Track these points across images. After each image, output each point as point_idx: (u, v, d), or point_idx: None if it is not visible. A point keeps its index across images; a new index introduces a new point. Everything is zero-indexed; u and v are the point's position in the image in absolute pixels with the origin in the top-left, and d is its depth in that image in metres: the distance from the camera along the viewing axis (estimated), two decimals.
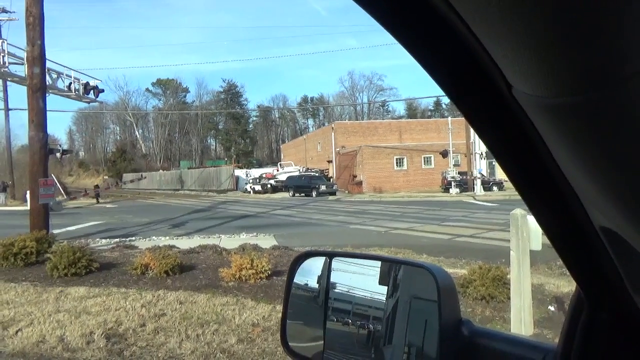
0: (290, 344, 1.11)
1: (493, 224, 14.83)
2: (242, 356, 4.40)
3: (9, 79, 18.56)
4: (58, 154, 14.36)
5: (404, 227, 15.54)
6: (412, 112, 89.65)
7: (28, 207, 12.39)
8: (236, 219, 19.85)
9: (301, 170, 44.71)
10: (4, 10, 35.40)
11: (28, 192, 14.83)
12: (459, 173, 34.50)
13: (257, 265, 6.96)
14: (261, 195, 41.01)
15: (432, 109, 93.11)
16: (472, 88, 0.48)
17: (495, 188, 32.90)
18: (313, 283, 1.13)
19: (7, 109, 38.41)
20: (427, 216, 19.12)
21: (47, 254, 8.32)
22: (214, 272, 7.49)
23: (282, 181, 41.74)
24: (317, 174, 41.51)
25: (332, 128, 48.74)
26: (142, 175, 58.83)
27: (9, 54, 17.07)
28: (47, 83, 14.08)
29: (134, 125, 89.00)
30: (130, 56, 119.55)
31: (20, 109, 36.22)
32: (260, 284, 6.83)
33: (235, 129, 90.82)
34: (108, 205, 32.65)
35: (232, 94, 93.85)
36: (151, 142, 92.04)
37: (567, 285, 6.37)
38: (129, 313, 5.61)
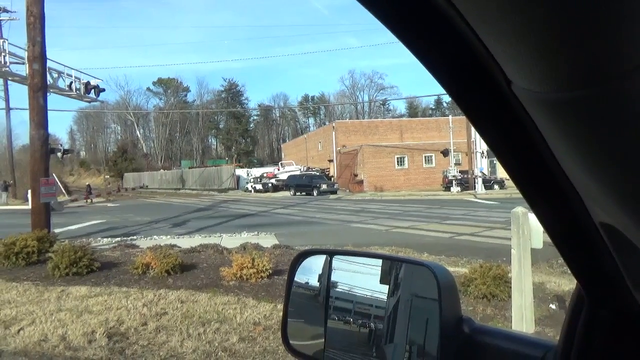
0: (291, 342, 1.11)
1: (494, 222, 14.82)
2: (243, 355, 4.41)
3: (9, 78, 18.57)
4: (59, 154, 14.38)
5: (405, 225, 15.54)
6: (413, 110, 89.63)
7: (29, 206, 12.41)
8: (237, 217, 19.86)
9: (302, 169, 44.72)
10: (5, 10, 35.45)
11: (29, 191, 14.85)
12: (460, 172, 34.48)
13: (258, 264, 6.97)
14: (262, 194, 41.03)
15: (433, 107, 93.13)
16: (471, 84, 0.48)
17: (496, 186, 32.88)
18: (314, 281, 1.13)
19: (8, 109, 38.47)
20: (428, 215, 19.11)
21: (48, 253, 8.33)
22: (215, 271, 7.50)
23: (283, 180, 41.76)
24: (318, 173, 41.51)
25: (333, 127, 48.73)
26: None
27: (10, 53, 17.10)
28: (48, 82, 14.10)
29: (135, 124, 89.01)
30: (131, 55, 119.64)
31: (21, 109, 36.34)
32: (261, 283, 6.84)
33: (236, 128, 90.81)
34: (109, 205, 32.69)
35: (232, 93, 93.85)
36: (152, 141, 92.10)
37: (568, 284, 6.36)
38: (130, 312, 5.62)
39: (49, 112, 11.78)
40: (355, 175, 40.97)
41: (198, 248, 9.71)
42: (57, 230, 12.00)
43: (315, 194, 35.62)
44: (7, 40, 17.33)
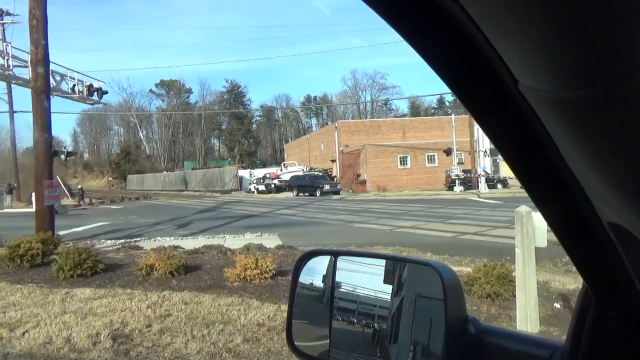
0: (296, 343, 1.11)
1: (497, 222, 14.79)
2: (248, 356, 4.41)
3: (13, 81, 18.62)
4: (63, 156, 14.42)
5: (408, 225, 15.52)
6: (416, 110, 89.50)
7: (34, 209, 12.45)
8: (240, 219, 19.88)
9: (305, 169, 44.72)
10: (8, 13, 35.54)
11: (33, 193, 14.90)
12: (463, 171, 34.40)
13: (262, 265, 6.97)
14: (265, 195, 41.06)
15: (436, 106, 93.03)
16: (477, 83, 0.47)
17: (499, 185, 32.78)
18: (318, 282, 1.13)
19: (11, 111, 38.64)
20: (431, 214, 19.09)
21: (52, 256, 8.36)
22: (219, 272, 7.50)
23: (285, 181, 41.77)
24: (320, 174, 41.50)
25: (336, 127, 48.72)
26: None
27: (13, 56, 17.13)
28: (51, 85, 14.16)
29: (138, 126, 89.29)
30: (134, 57, 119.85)
31: (24, 111, 36.53)
32: (265, 283, 6.84)
33: (238, 129, 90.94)
34: (113, 207, 32.78)
35: (235, 94, 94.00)
36: (155, 143, 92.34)
37: (572, 283, 6.34)
38: (134, 314, 5.63)
39: (52, 114, 11.83)
40: (358, 175, 40.95)
41: (202, 249, 9.72)
42: (61, 233, 12.04)
43: (318, 194, 35.61)
44: (10, 43, 17.38)
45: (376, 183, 39.29)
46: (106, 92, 19.77)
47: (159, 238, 13.31)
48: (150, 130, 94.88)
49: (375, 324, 0.99)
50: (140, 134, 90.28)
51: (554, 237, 0.69)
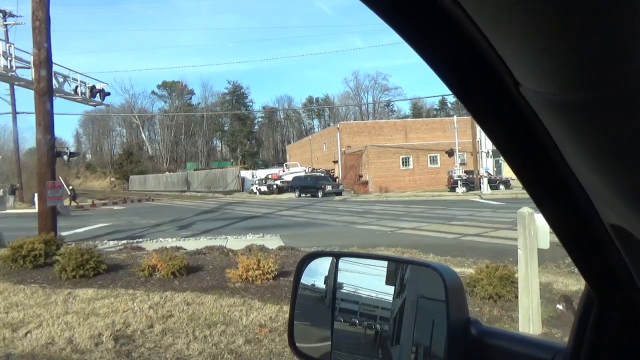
0: (297, 344, 1.11)
1: (500, 223, 14.76)
2: (249, 357, 4.41)
3: (16, 82, 18.68)
4: (65, 157, 14.44)
5: (411, 226, 15.50)
6: (418, 111, 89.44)
7: (36, 210, 12.48)
8: (242, 219, 19.89)
9: (307, 170, 44.73)
10: (11, 14, 35.69)
11: (36, 194, 14.94)
12: (465, 172, 34.38)
13: (264, 266, 6.97)
14: (267, 196, 41.08)
15: (438, 108, 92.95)
16: (478, 85, 0.47)
17: (502, 187, 32.74)
18: (320, 283, 1.13)
19: (14, 113, 38.79)
20: (433, 215, 19.06)
21: (55, 256, 8.38)
22: (221, 273, 7.51)
23: (288, 182, 41.79)
24: (323, 175, 41.49)
25: (338, 128, 48.73)
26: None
27: (16, 57, 17.19)
28: (54, 86, 14.18)
29: (140, 127, 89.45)
30: (136, 59, 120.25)
31: (27, 113, 36.64)
32: (267, 284, 6.84)
33: (240, 130, 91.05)
34: (115, 207, 32.83)
35: (237, 96, 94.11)
36: (157, 144, 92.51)
37: (575, 284, 6.32)
38: (136, 314, 5.63)
39: (55, 115, 11.85)
40: (360, 176, 40.93)
41: (204, 250, 9.73)
42: (63, 233, 12.07)
43: (320, 195, 35.60)
44: (13, 44, 17.44)
45: (378, 184, 39.27)
46: (109, 94, 19.81)
47: (161, 239, 13.32)
48: (153, 131, 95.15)
49: (378, 326, 0.99)
50: (143, 135, 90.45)
51: (556, 239, 0.69)
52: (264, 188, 43.44)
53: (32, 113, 11.94)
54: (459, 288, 0.90)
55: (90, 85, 18.88)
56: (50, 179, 11.45)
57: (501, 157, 0.58)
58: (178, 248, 10.06)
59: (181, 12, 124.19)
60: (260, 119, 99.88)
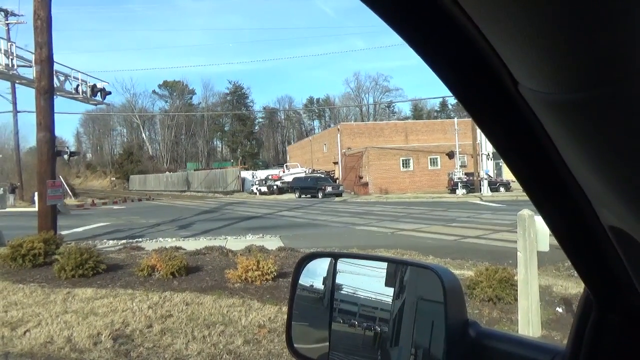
0: (295, 345, 1.10)
1: (500, 225, 14.76)
2: (248, 357, 4.41)
3: (17, 81, 18.71)
4: (65, 156, 14.45)
5: (410, 228, 15.50)
6: (418, 113, 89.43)
7: (36, 208, 12.48)
8: (242, 220, 19.89)
9: (307, 171, 44.76)
10: (13, 14, 35.76)
11: (36, 193, 14.95)
12: (465, 174, 34.40)
13: (263, 267, 6.97)
14: (267, 196, 41.09)
15: (438, 109, 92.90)
16: (477, 85, 0.47)
17: (502, 189, 32.75)
18: (318, 284, 1.13)
19: (15, 111, 38.77)
20: (433, 217, 19.06)
21: (54, 255, 8.37)
22: (220, 273, 7.51)
23: (288, 182, 41.82)
24: (323, 175, 41.50)
25: (338, 129, 48.74)
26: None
27: (17, 56, 17.23)
28: (55, 85, 14.20)
29: (141, 127, 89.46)
30: (137, 58, 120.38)
31: (28, 111, 36.62)
32: (266, 285, 6.83)
33: (241, 131, 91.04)
34: (115, 207, 32.83)
35: (238, 96, 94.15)
36: (158, 143, 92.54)
37: (575, 287, 6.32)
38: (135, 314, 5.63)
39: (55, 114, 11.86)
40: (361, 178, 40.94)
41: (203, 250, 9.72)
42: (63, 233, 12.06)
43: (320, 196, 35.60)
44: (14, 43, 17.48)
45: (378, 185, 39.27)
46: (109, 93, 19.84)
47: (160, 239, 13.32)
48: (153, 131, 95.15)
49: (377, 327, 0.98)
50: (143, 134, 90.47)
51: (556, 242, 0.68)
52: (264, 189, 43.46)
53: (33, 112, 11.95)
54: (457, 290, 0.90)
55: (91, 84, 18.90)
56: (51, 177, 11.46)
57: (501, 160, 0.58)
58: (177, 248, 10.06)
59: (183, 12, 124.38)
60: (260, 120, 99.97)
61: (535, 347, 0.87)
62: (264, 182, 44.85)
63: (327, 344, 1.04)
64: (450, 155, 35.62)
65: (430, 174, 41.12)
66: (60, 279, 7.48)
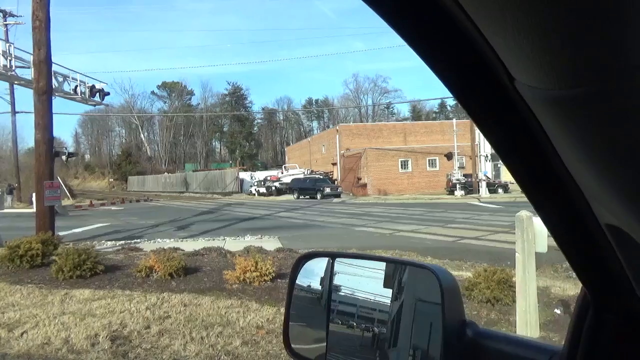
0: (293, 345, 1.10)
1: (498, 226, 14.77)
2: (246, 358, 4.40)
3: (15, 82, 18.70)
4: (64, 157, 14.46)
5: (409, 229, 15.50)
6: (417, 114, 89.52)
7: (34, 210, 12.45)
8: (240, 221, 19.87)
9: (306, 172, 44.71)
10: (11, 14, 35.68)
11: (34, 194, 14.92)
12: (463, 175, 34.44)
13: (262, 268, 6.96)
14: (266, 197, 41.07)
15: (437, 111, 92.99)
16: (473, 81, 0.47)
17: (500, 190, 32.78)
18: (316, 284, 1.13)
19: (13, 112, 38.70)
20: (431, 218, 19.07)
21: (52, 256, 8.36)
22: (219, 274, 7.50)
23: (286, 183, 41.78)
24: (321, 177, 41.48)
25: (337, 130, 48.75)
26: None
27: (16, 57, 17.21)
28: (53, 86, 14.19)
29: (140, 128, 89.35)
30: (136, 59, 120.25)
31: (26, 112, 36.41)
32: (264, 286, 6.83)
33: (239, 132, 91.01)
34: (113, 208, 32.78)
35: (236, 97, 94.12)
36: (156, 144, 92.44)
37: (573, 288, 6.33)
38: (133, 315, 5.62)
39: (54, 115, 11.84)
40: (359, 179, 40.94)
41: (201, 251, 9.71)
42: (61, 233, 12.03)
43: (318, 197, 35.58)
44: (13, 44, 17.45)
45: (377, 186, 39.28)
46: (108, 94, 19.83)
47: (158, 240, 13.29)
48: (152, 131, 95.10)
49: (375, 328, 0.98)
50: (142, 135, 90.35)
51: (554, 243, 0.68)
52: (262, 190, 43.43)
53: (31, 112, 11.94)
54: (454, 290, 0.90)
55: (90, 84, 18.89)
56: (49, 178, 11.44)
57: (500, 161, 0.58)
58: (176, 249, 10.05)
59: (182, 13, 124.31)
60: (259, 121, 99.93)
61: (532, 347, 0.86)
62: (262, 183, 44.81)
63: (325, 344, 1.04)
64: (449, 156, 35.66)
65: (428, 175, 41.15)
66: (58, 280, 7.47)
